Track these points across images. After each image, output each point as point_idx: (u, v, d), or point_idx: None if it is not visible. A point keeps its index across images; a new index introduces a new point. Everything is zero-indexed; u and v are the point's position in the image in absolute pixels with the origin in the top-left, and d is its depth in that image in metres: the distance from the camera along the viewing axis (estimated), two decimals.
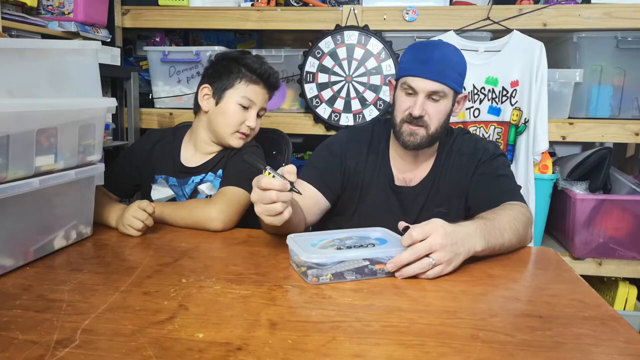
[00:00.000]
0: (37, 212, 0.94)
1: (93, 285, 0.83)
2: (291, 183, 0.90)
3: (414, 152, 1.25)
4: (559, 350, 0.66)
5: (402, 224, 0.92)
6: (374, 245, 0.94)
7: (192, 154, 1.38)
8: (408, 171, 1.28)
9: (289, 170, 0.92)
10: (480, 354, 0.64)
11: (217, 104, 1.33)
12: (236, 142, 1.34)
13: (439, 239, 0.86)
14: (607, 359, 0.64)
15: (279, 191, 0.88)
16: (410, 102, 1.19)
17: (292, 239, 0.93)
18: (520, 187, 1.24)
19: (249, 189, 1.23)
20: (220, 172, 1.35)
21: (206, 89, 1.35)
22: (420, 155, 1.27)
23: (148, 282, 0.85)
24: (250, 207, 1.27)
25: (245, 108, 1.33)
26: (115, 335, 0.67)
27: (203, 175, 1.35)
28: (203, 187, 1.34)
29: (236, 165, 1.32)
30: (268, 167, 0.92)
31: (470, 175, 1.24)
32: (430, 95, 1.17)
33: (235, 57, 1.36)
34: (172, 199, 1.36)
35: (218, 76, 1.34)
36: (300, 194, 0.96)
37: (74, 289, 0.81)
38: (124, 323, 0.70)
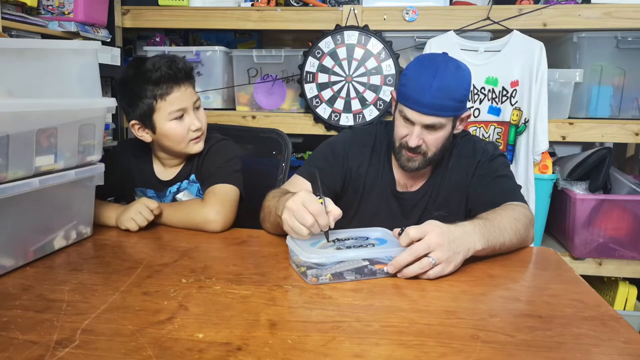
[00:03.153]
0: (37, 212, 0.94)
1: (93, 285, 0.83)
2: (330, 228, 0.93)
3: None
4: (559, 350, 0.66)
5: (396, 231, 0.93)
6: (373, 246, 0.94)
7: (162, 169, 1.36)
8: (410, 176, 1.28)
9: (336, 216, 0.92)
10: (480, 354, 0.64)
11: (154, 132, 1.26)
12: (195, 148, 1.29)
13: (435, 238, 0.87)
14: (607, 359, 0.64)
15: (317, 223, 0.90)
16: (407, 130, 1.18)
17: (291, 239, 0.93)
18: (520, 187, 1.24)
19: (234, 182, 1.25)
20: (192, 176, 1.34)
21: (136, 125, 1.27)
22: None
23: (148, 282, 0.85)
24: (248, 207, 1.28)
25: (180, 117, 1.25)
26: (115, 335, 0.67)
27: (178, 184, 1.34)
28: (180, 196, 1.34)
29: (212, 163, 1.30)
30: (324, 198, 0.93)
31: (469, 177, 1.24)
32: (427, 126, 1.15)
33: (134, 77, 1.24)
34: None
35: (135, 107, 1.25)
36: (328, 241, 0.95)
37: (74, 289, 0.81)
38: (124, 323, 0.70)
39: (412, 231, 0.87)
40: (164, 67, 1.21)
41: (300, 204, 0.90)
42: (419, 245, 0.86)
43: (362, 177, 1.28)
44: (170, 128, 1.24)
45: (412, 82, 1.15)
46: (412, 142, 1.16)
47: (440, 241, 0.87)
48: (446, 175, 1.26)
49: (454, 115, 1.17)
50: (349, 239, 0.97)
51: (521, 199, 1.17)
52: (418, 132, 1.16)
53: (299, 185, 1.22)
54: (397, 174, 1.29)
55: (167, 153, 1.32)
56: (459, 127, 1.23)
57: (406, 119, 1.17)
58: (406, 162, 1.20)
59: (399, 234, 0.90)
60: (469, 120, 1.83)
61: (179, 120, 1.25)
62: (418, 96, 1.13)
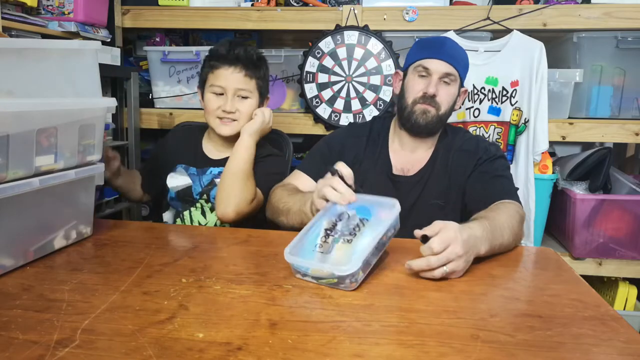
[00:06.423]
0: (37, 212, 0.94)
1: (93, 285, 0.83)
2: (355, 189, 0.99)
3: (415, 140, 1.31)
4: (559, 350, 0.66)
5: (419, 233, 0.90)
6: (363, 225, 0.91)
7: (212, 147, 1.43)
8: (406, 161, 1.31)
9: (346, 175, 1.00)
10: (480, 354, 0.64)
11: (202, 99, 1.39)
12: (220, 129, 1.35)
13: (458, 250, 0.86)
14: (607, 359, 0.64)
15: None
16: (423, 83, 1.26)
17: (292, 257, 0.88)
18: (517, 188, 1.25)
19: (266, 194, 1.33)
20: None
21: (199, 90, 1.41)
22: (419, 146, 1.32)
23: (148, 282, 0.85)
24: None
25: (220, 95, 1.34)
26: (115, 335, 0.67)
27: (222, 168, 1.37)
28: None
29: (260, 170, 1.35)
30: (337, 170, 1.00)
31: (469, 172, 1.27)
32: (443, 77, 1.25)
33: (209, 51, 1.40)
34: (188, 187, 1.39)
35: (201, 73, 1.41)
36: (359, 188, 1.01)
37: (74, 289, 0.81)
38: (124, 323, 0.70)
39: (436, 246, 0.85)
40: (224, 46, 1.35)
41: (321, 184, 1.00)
42: (441, 257, 0.85)
43: (359, 164, 1.32)
44: (207, 98, 1.36)
45: (428, 41, 1.30)
46: (432, 89, 1.24)
47: (460, 253, 0.86)
48: (445, 166, 1.29)
49: (461, 77, 1.29)
50: (332, 224, 0.94)
51: (517, 200, 1.19)
52: (436, 82, 1.25)
53: (302, 178, 1.30)
54: (394, 157, 1.32)
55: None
56: (459, 102, 1.32)
57: (423, 73, 1.27)
58: (420, 115, 1.26)
59: (422, 239, 0.88)
60: (469, 120, 1.85)
61: (217, 96, 1.35)
62: (437, 47, 1.26)
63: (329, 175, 1.00)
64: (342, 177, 0.98)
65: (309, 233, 0.94)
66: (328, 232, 0.93)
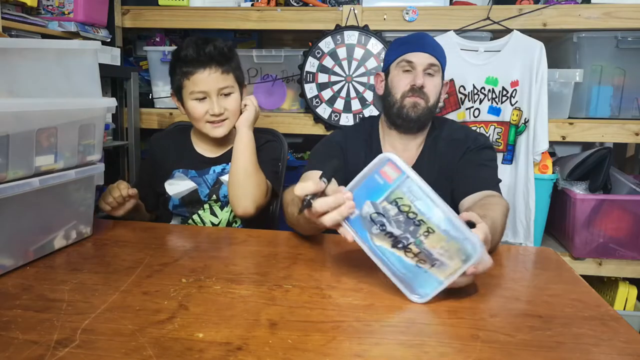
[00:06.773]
0: (37, 212, 0.94)
1: (93, 285, 0.83)
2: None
3: (406, 138, 1.33)
4: (559, 350, 0.66)
5: (465, 216, 0.84)
6: (404, 205, 0.76)
7: (205, 146, 1.41)
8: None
9: (316, 188, 0.82)
10: (480, 354, 0.64)
11: (183, 106, 1.33)
12: (213, 131, 1.31)
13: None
14: (607, 359, 0.64)
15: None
16: (409, 77, 1.29)
17: (423, 298, 0.78)
18: (500, 180, 1.28)
19: (270, 178, 1.34)
20: None
21: (174, 97, 1.37)
22: (410, 143, 1.34)
23: (148, 282, 0.85)
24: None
25: (203, 99, 1.29)
26: (115, 335, 0.67)
27: (224, 165, 1.37)
28: (225, 178, 1.35)
29: (260, 160, 1.34)
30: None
31: (457, 159, 1.29)
32: (427, 69, 1.28)
33: (173, 54, 1.32)
34: (194, 191, 1.36)
35: (172, 81, 1.34)
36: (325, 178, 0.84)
37: (74, 289, 0.81)
38: (124, 323, 0.70)
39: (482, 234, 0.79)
40: (191, 47, 1.26)
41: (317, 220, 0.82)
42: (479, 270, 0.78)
43: (359, 166, 1.30)
44: (190, 106, 1.30)
45: (408, 37, 1.32)
46: (419, 80, 1.27)
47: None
48: (435, 157, 1.31)
49: (442, 69, 1.32)
50: (396, 237, 0.78)
51: (499, 190, 1.22)
52: (421, 73, 1.28)
53: (313, 176, 1.25)
54: None
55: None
56: (443, 93, 1.35)
57: (407, 67, 1.29)
58: (412, 109, 1.28)
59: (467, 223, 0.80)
60: (469, 120, 1.85)
61: (200, 101, 1.29)
62: (417, 41, 1.30)
63: (306, 211, 0.81)
64: (315, 195, 0.81)
65: (393, 267, 0.80)
66: (401, 247, 0.78)
